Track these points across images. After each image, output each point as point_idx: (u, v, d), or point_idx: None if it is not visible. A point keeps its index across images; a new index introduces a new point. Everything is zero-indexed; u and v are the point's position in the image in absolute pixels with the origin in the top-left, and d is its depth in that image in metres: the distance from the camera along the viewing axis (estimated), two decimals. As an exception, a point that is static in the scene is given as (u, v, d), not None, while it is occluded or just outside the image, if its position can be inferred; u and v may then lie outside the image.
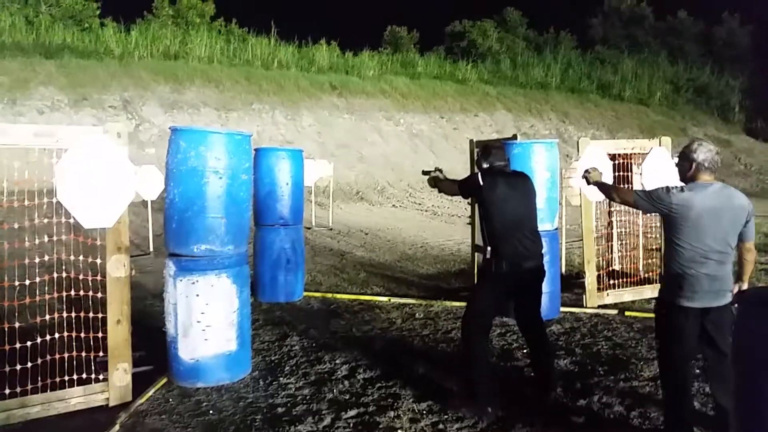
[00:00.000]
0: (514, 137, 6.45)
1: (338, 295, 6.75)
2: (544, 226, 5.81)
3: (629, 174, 6.48)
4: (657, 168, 6.08)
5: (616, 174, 6.28)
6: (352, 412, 3.69)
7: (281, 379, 4.27)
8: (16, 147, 3.53)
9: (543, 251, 3.89)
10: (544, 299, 5.81)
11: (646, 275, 6.82)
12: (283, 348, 4.97)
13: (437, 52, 26.62)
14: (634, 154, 6.45)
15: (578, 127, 22.60)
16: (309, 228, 11.87)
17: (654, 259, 6.71)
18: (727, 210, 3.04)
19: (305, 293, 6.79)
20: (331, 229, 11.81)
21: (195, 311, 4.11)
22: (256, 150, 6.71)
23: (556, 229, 6.06)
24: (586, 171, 3.84)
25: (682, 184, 3.20)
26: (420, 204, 15.57)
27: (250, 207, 4.44)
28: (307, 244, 10.14)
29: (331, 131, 18.28)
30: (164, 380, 4.21)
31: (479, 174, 3.81)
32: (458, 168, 12.43)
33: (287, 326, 5.60)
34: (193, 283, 4.12)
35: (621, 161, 6.43)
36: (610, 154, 6.21)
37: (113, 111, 16.17)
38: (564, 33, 30.70)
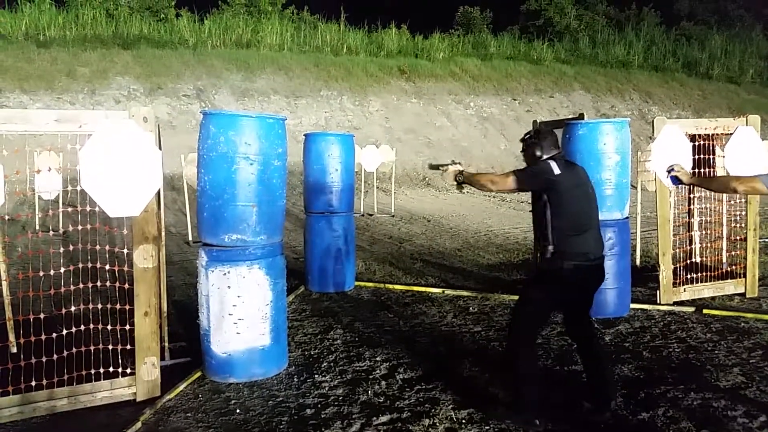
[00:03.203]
0: (581, 117, 5.92)
1: (390, 286, 6.48)
2: (613, 215, 5.33)
3: (711, 157, 5.81)
4: (743, 150, 5.40)
5: (696, 157, 5.62)
6: (384, 418, 3.41)
7: (316, 376, 4.04)
8: (39, 133, 3.42)
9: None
10: (613, 295, 5.40)
11: (730, 269, 6.14)
12: (325, 342, 4.75)
13: (511, 32, 25.61)
14: (717, 134, 5.77)
15: (662, 107, 21.21)
16: (371, 215, 11.67)
17: (740, 251, 6.01)
18: None
19: (357, 283, 6.56)
20: (392, 216, 11.54)
21: (227, 303, 3.94)
22: (305, 136, 6.53)
23: (627, 218, 5.50)
24: (671, 168, 3.37)
25: None
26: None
27: (284, 195, 4.20)
28: (367, 232, 9.97)
29: (398, 116, 17.96)
30: (198, 374, 4.08)
31: (551, 162, 3.25)
32: (528, 152, 11.80)
33: (333, 318, 5.39)
34: (225, 274, 3.94)
35: (702, 143, 5.77)
36: (689, 135, 5.58)
37: (187, 100, 16.51)
38: (647, 9, 28.85)
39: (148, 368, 3.73)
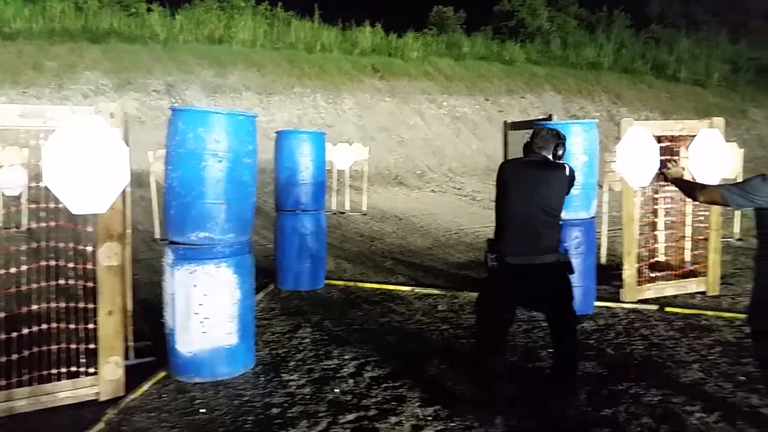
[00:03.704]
0: (549, 118, 6.00)
1: (360, 284, 6.48)
2: (579, 214, 5.40)
3: (677, 158, 5.93)
4: (706, 151, 5.53)
5: (662, 158, 5.74)
6: (351, 416, 3.42)
7: (283, 375, 4.04)
8: (3, 128, 3.35)
9: (553, 246, 3.46)
10: (578, 293, 5.42)
11: (693, 267, 6.28)
12: (293, 340, 4.74)
13: (484, 32, 25.76)
14: (683, 136, 5.90)
15: (631, 109, 21.55)
16: (343, 213, 11.64)
17: (701, 250, 6.16)
18: None
19: (327, 281, 6.55)
20: (364, 214, 11.54)
21: (193, 302, 3.90)
22: (276, 133, 6.49)
23: (593, 217, 5.59)
24: (665, 166, 3.53)
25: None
26: (460, 189, 15.12)
27: (254, 192, 4.18)
28: (339, 230, 9.95)
29: (371, 115, 17.95)
30: (163, 373, 4.03)
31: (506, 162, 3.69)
32: (500, 152, 11.89)
33: (302, 316, 5.37)
34: (191, 272, 3.90)
35: (667, 144, 5.88)
36: (655, 136, 5.69)
37: (157, 95, 16.24)
38: (618, 11, 29.29)
39: (112, 367, 3.68)
